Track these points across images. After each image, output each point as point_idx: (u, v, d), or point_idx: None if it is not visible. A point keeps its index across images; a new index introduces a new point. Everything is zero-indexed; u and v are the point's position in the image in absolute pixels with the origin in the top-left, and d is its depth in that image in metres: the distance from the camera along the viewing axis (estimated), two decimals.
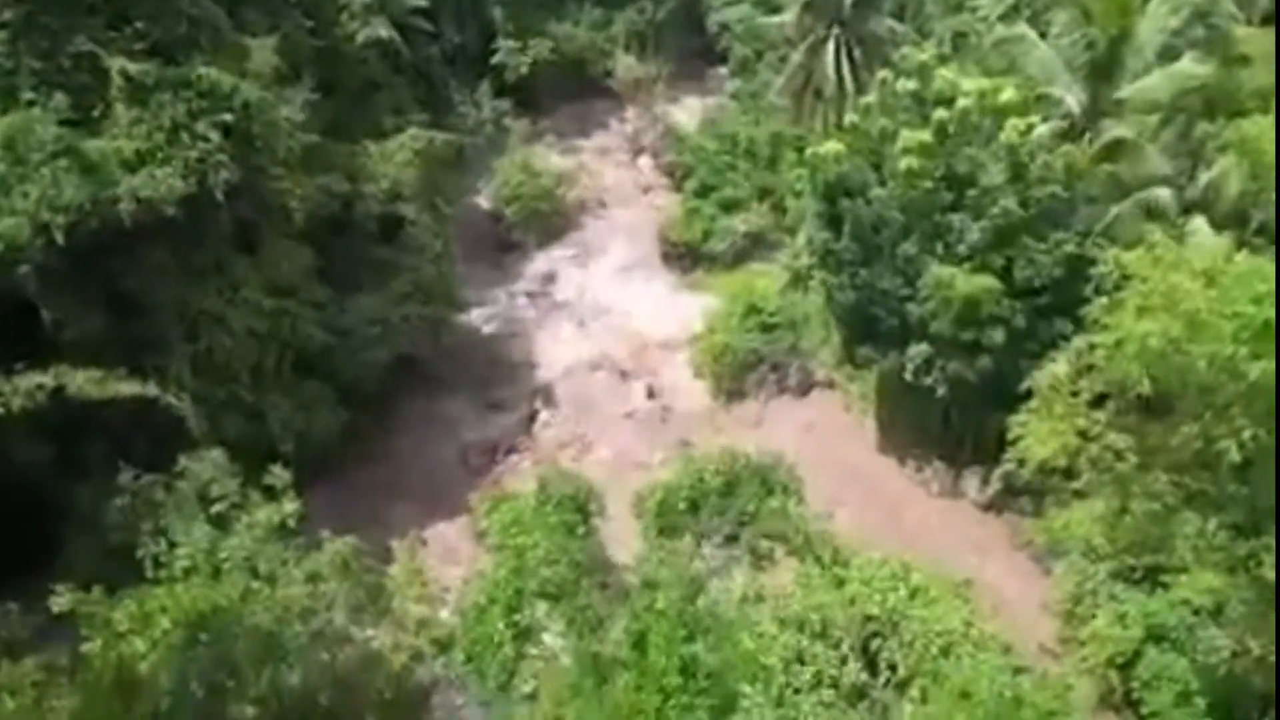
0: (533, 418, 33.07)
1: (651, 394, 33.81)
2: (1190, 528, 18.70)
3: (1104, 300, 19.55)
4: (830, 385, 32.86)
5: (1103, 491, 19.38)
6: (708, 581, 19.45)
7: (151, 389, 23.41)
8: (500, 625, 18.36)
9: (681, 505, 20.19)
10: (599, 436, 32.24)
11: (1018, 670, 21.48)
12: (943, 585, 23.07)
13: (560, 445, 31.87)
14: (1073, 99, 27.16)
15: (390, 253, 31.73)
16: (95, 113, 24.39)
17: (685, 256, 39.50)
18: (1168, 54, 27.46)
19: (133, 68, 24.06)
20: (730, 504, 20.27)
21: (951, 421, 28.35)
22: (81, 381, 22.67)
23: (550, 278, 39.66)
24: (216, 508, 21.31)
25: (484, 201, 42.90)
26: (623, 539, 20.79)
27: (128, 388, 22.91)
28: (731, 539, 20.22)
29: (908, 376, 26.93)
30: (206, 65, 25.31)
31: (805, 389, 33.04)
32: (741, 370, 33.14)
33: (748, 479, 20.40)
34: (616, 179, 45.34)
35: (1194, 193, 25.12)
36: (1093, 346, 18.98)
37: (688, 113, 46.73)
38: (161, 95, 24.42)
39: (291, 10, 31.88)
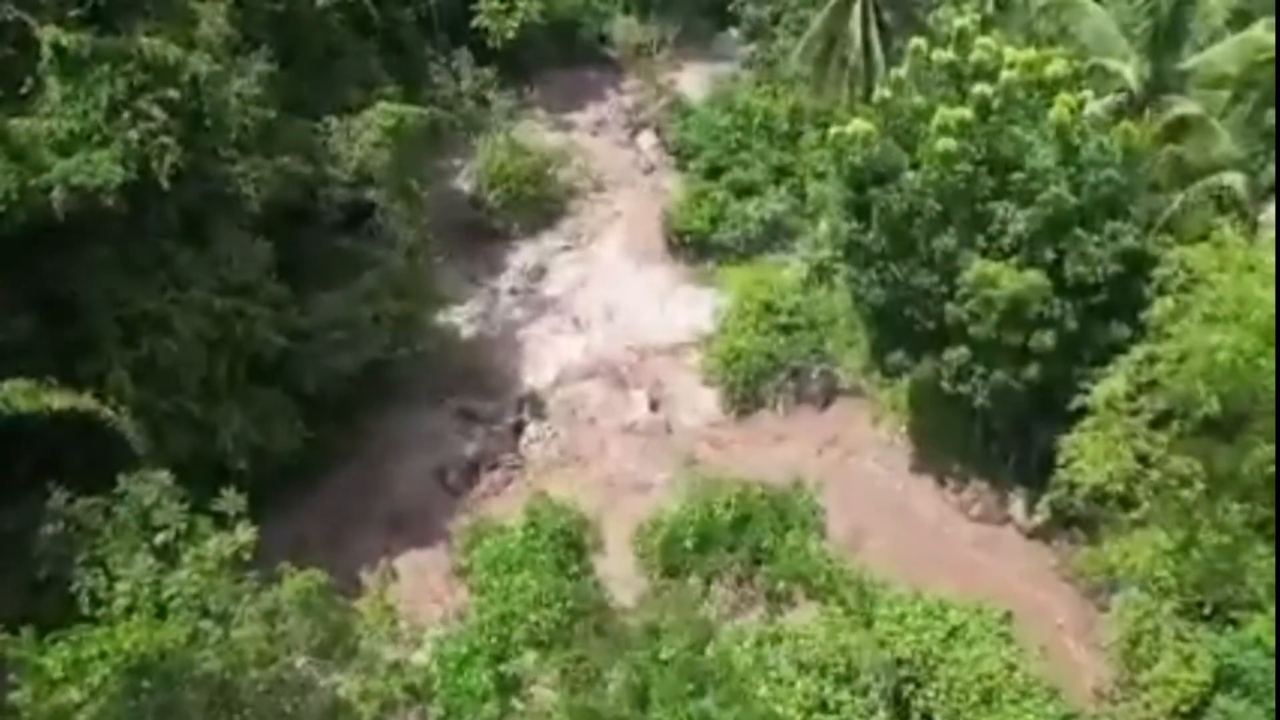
0: (519, 431, 33.17)
1: (654, 405, 33.92)
2: (1264, 561, 18.76)
3: (1167, 302, 19.63)
4: (857, 394, 33.01)
5: (1165, 521, 19.44)
6: (718, 627, 19.45)
7: (87, 401, 23.40)
8: (484, 676, 18.38)
9: (689, 542, 20.19)
10: (594, 453, 32.37)
11: (1069, 718, 21.55)
12: (984, 623, 23.02)
13: (550, 463, 32.00)
14: (1131, 71, 27.26)
15: (357, 244, 31.86)
16: (22, 90, 24.40)
17: (692, 247, 39.59)
18: (1239, 21, 27.57)
19: (66, 38, 24.05)
20: (743, 540, 20.27)
21: (994, 436, 28.45)
22: (7, 392, 22.71)
23: (539, 271, 39.74)
24: (161, 537, 21.41)
25: (464, 184, 42.98)
26: (623, 576, 20.79)
27: (60, 399, 22.93)
28: (745, 579, 20.23)
29: (945, 385, 27.03)
30: (150, 34, 25.33)
31: (828, 398, 33.17)
32: (756, 377, 33.26)
33: (763, 511, 20.39)
34: (614, 158, 45.39)
35: (1269, 179, 25.16)
36: (1154, 359, 19.05)
37: (695, 83, 46.76)
38: (99, 69, 24.42)
39: None
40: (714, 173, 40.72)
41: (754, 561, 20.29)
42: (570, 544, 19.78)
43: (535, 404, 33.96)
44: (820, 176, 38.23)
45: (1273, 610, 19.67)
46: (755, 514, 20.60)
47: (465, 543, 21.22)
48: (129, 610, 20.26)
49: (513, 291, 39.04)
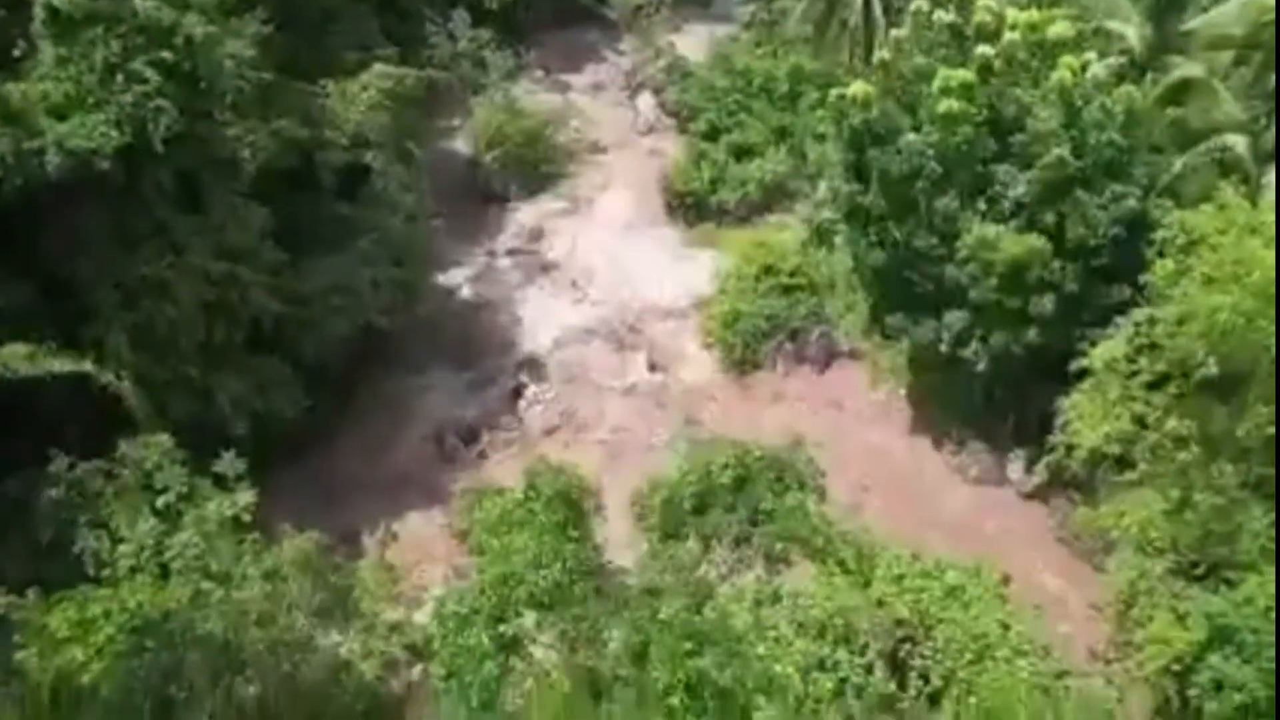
0: (518, 394, 33.27)
1: (653, 366, 34.03)
2: (1259, 522, 18.95)
3: (1168, 264, 19.68)
4: (856, 356, 33.08)
5: (1161, 482, 19.61)
6: (717, 587, 19.70)
7: (84, 365, 23.49)
8: (484, 637, 18.61)
9: (687, 504, 20.40)
10: (594, 415, 32.48)
11: (1062, 676, 21.86)
12: (981, 584, 23.36)
13: (549, 426, 32.14)
14: (1134, 32, 27.19)
15: (355, 209, 31.73)
16: (16, 52, 24.25)
17: (691, 208, 39.51)
18: None
19: (59, 0, 23.91)
20: (742, 501, 20.49)
21: (993, 399, 28.60)
22: (7, 356, 22.81)
23: (537, 234, 39.67)
24: (163, 499, 21.65)
25: (461, 147, 42.81)
26: (622, 538, 21.04)
27: (60, 364, 23.02)
28: (743, 540, 20.46)
29: (944, 348, 27.12)
30: None
31: (828, 360, 33.25)
32: (755, 339, 33.33)
33: (761, 473, 20.61)
34: (613, 120, 45.17)
35: (1272, 141, 25.11)
36: (1154, 321, 19.12)
37: (694, 43, 46.47)
38: (93, 31, 24.22)
39: None
40: (713, 134, 40.59)
41: (752, 523, 20.55)
42: (569, 506, 19.98)
43: (534, 367, 34.05)
44: (820, 138, 38.08)
45: (1266, 569, 19.87)
46: (753, 475, 20.84)
47: (465, 505, 21.43)
48: (132, 571, 20.54)
49: (510, 254, 38.99)
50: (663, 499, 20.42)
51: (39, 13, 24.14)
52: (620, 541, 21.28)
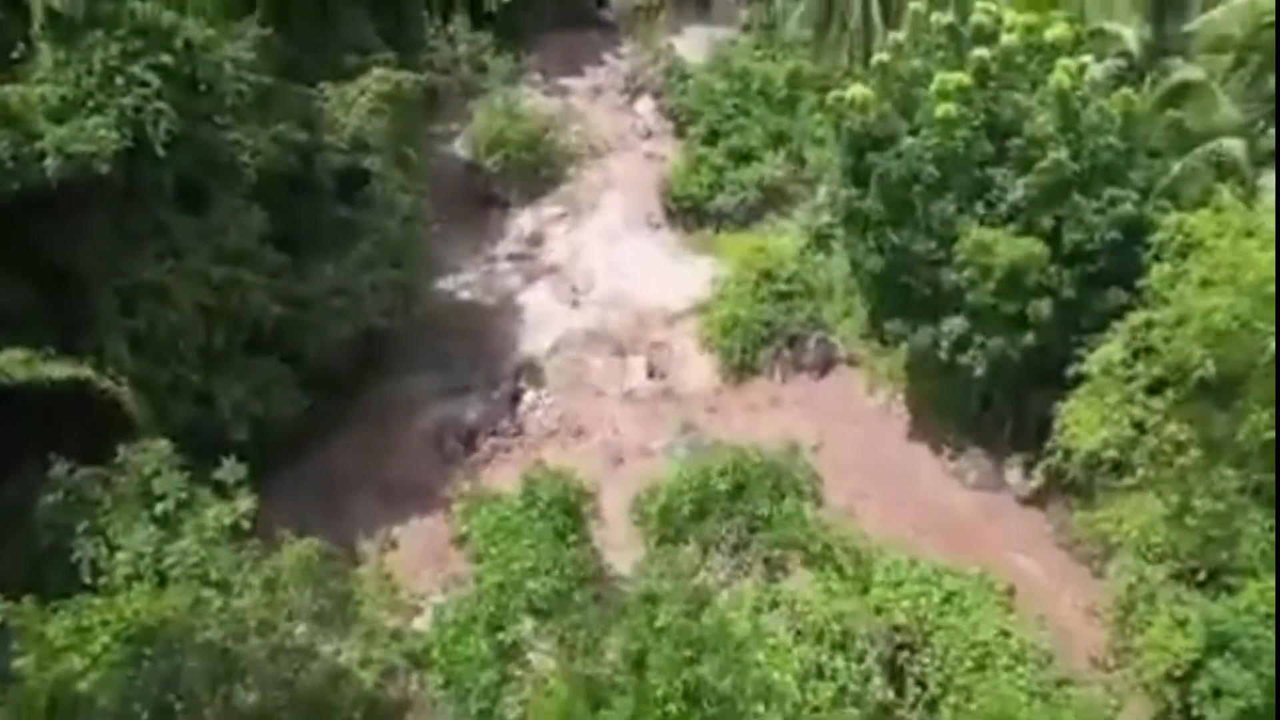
0: (517, 399, 33.17)
1: (652, 372, 33.95)
2: (1258, 527, 18.89)
3: (1165, 268, 19.62)
4: (854, 362, 33.00)
5: (1160, 487, 19.56)
6: (715, 594, 19.64)
7: (85, 370, 23.42)
8: (483, 644, 18.57)
9: (685, 510, 20.35)
10: (592, 420, 32.39)
11: (1062, 683, 21.80)
12: (980, 589, 23.32)
13: (548, 430, 32.08)
14: (1132, 35, 27.08)
15: (354, 212, 31.64)
16: (15, 55, 24.19)
17: (690, 213, 39.43)
18: None
19: (59, 2, 23.84)
20: (739, 507, 20.43)
21: (991, 404, 28.53)
22: (5, 362, 22.73)
23: (536, 238, 39.61)
24: (161, 506, 21.59)
25: (460, 151, 42.69)
26: (620, 544, 20.98)
27: (59, 369, 22.94)
28: (741, 546, 20.40)
29: (942, 354, 27.04)
30: None
31: (826, 366, 33.17)
32: (754, 345, 33.25)
33: (759, 479, 20.54)
34: (612, 124, 45.07)
35: (1269, 144, 25.05)
36: (1150, 324, 19.06)
37: (693, 46, 46.37)
38: (92, 34, 24.19)
39: None
40: (712, 138, 40.45)
41: (750, 529, 20.47)
42: (568, 512, 19.93)
43: (533, 371, 33.96)
44: (819, 142, 38.07)
45: (1266, 576, 19.80)
46: (751, 481, 20.76)
47: (463, 511, 21.35)
48: (130, 579, 20.50)
49: (510, 258, 38.91)
50: (661, 505, 20.34)
51: (38, 16, 24.09)
52: (618, 547, 21.22)
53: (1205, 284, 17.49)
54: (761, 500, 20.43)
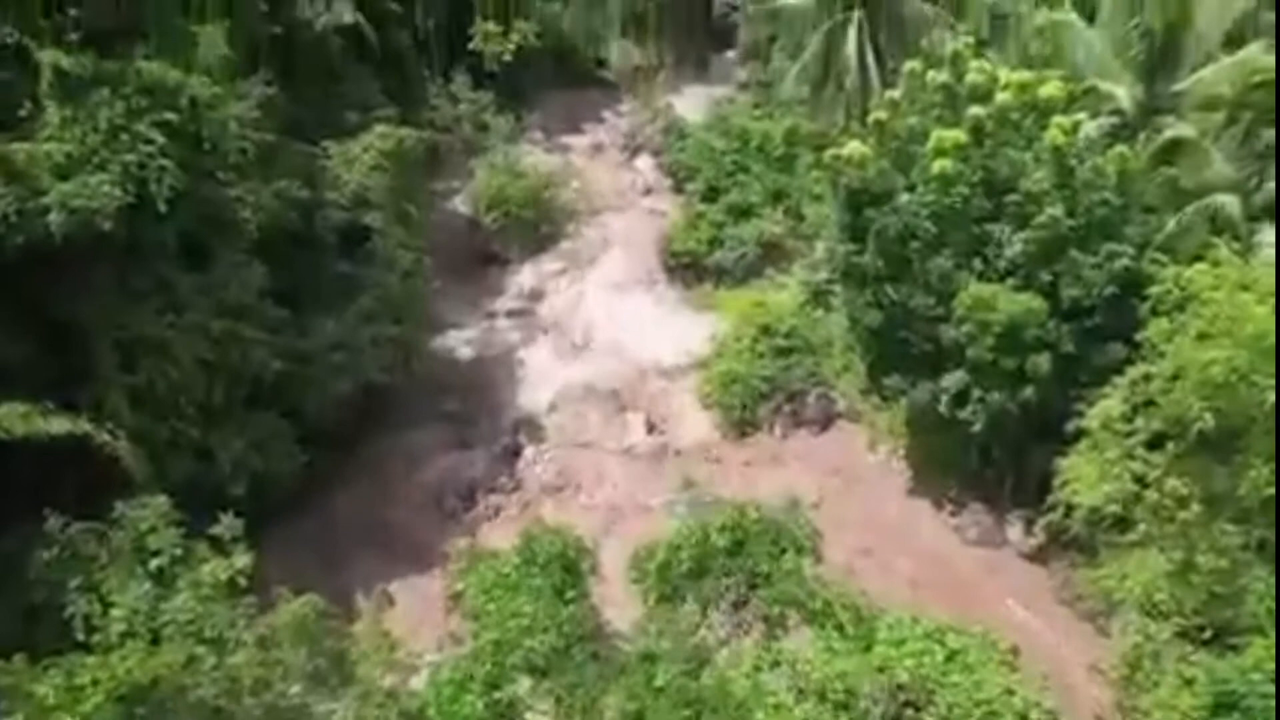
0: (516, 454, 33.06)
1: (651, 427, 33.89)
2: (1263, 583, 18.71)
3: (1162, 323, 19.65)
4: (853, 417, 32.95)
5: (1163, 543, 19.42)
6: (715, 652, 19.37)
7: (83, 425, 23.36)
8: (479, 703, 18.27)
9: (684, 567, 20.14)
10: (591, 476, 32.25)
11: None
12: (983, 647, 23.03)
13: (547, 486, 31.92)
14: (1124, 93, 27.44)
15: (355, 268, 31.87)
16: (22, 113, 24.48)
17: (689, 269, 39.70)
18: (1232, 43, 27.76)
19: (66, 61, 24.18)
20: (739, 564, 20.21)
21: (991, 460, 28.43)
22: (3, 416, 22.69)
23: (536, 294, 39.80)
24: (157, 562, 21.37)
25: (461, 207, 43.08)
26: (619, 601, 20.71)
27: (57, 424, 22.89)
28: (741, 604, 20.16)
29: (941, 409, 27.01)
30: (150, 57, 25.50)
31: (826, 422, 33.12)
32: (753, 400, 33.23)
33: (759, 535, 20.35)
34: (612, 181, 45.55)
35: (1263, 200, 25.27)
36: (1149, 378, 19.05)
37: (692, 105, 47.05)
38: (98, 92, 24.51)
39: None
40: (711, 195, 40.86)
41: (750, 586, 20.20)
42: (566, 569, 19.71)
43: (532, 427, 33.90)
44: (817, 199, 38.40)
45: (1272, 633, 19.57)
46: (751, 538, 20.52)
47: (460, 568, 21.12)
48: (124, 636, 20.21)
49: (510, 314, 39.06)
50: (659, 562, 20.08)
51: (46, 74, 24.40)
52: (617, 604, 20.97)
53: (1202, 337, 17.51)
54: (761, 557, 20.18)
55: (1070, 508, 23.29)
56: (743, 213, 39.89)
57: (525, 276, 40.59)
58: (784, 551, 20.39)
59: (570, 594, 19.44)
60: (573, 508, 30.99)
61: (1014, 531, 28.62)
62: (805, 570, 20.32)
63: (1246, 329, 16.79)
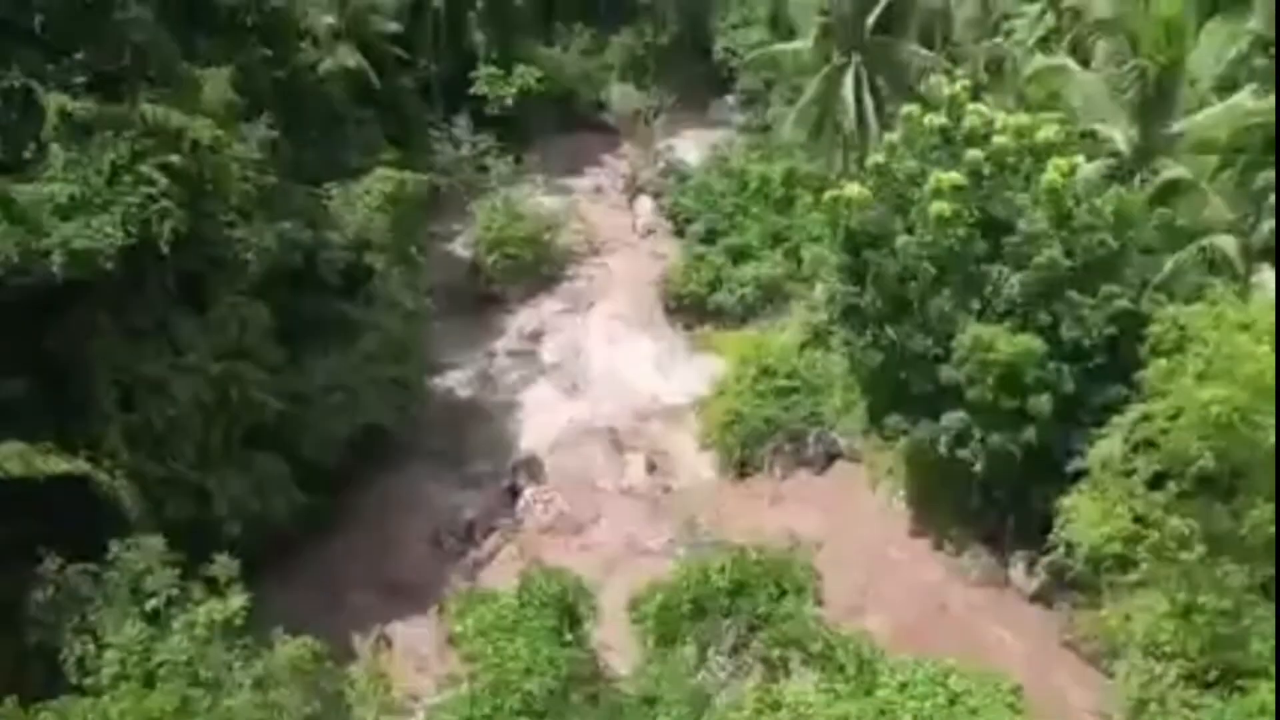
0: (515, 495, 32.95)
1: (652, 468, 33.78)
2: (1267, 624, 18.52)
3: (1161, 363, 19.62)
4: (854, 458, 32.82)
5: (1165, 584, 19.25)
6: (714, 696, 19.14)
7: (81, 465, 23.27)
8: None
9: (684, 609, 19.96)
10: (591, 518, 32.12)
11: None
12: (987, 690, 22.74)
13: (547, 527, 31.74)
14: (1120, 135, 27.62)
15: (356, 309, 31.95)
16: (26, 154, 24.65)
17: (689, 310, 39.85)
18: (1225, 86, 28.04)
19: (71, 104, 24.39)
20: (739, 606, 20.05)
21: (992, 500, 28.28)
22: (1, 456, 22.62)
23: (536, 335, 39.91)
24: (152, 603, 21.27)
25: (462, 249, 43.34)
26: (618, 644, 20.54)
27: (54, 465, 22.80)
28: (741, 646, 19.95)
29: (942, 449, 26.92)
30: (154, 100, 25.72)
31: (826, 462, 33.00)
32: (754, 441, 33.14)
33: (759, 577, 20.20)
34: (611, 223, 45.84)
35: (1259, 240, 25.37)
36: (1149, 418, 18.99)
37: (691, 147, 47.44)
38: (102, 134, 24.73)
39: (249, 37, 32.58)
40: (710, 237, 41.11)
41: (750, 628, 20.01)
42: (564, 611, 19.55)
43: (532, 467, 33.78)
44: (815, 240, 38.56)
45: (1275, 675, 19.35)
46: (751, 580, 20.38)
47: (458, 609, 20.95)
48: (118, 679, 20.06)
49: (510, 355, 39.14)
50: (658, 604, 19.92)
51: (51, 117, 24.58)
52: (616, 647, 20.79)
53: (1202, 377, 17.49)
54: (762, 599, 20.03)
55: (1071, 547, 23.11)
56: (742, 254, 40.12)
57: (525, 318, 40.72)
58: (784, 594, 20.25)
59: (568, 636, 19.27)
60: (572, 548, 30.82)
61: (1016, 572, 28.40)
62: (806, 612, 20.16)
63: (1246, 368, 16.77)
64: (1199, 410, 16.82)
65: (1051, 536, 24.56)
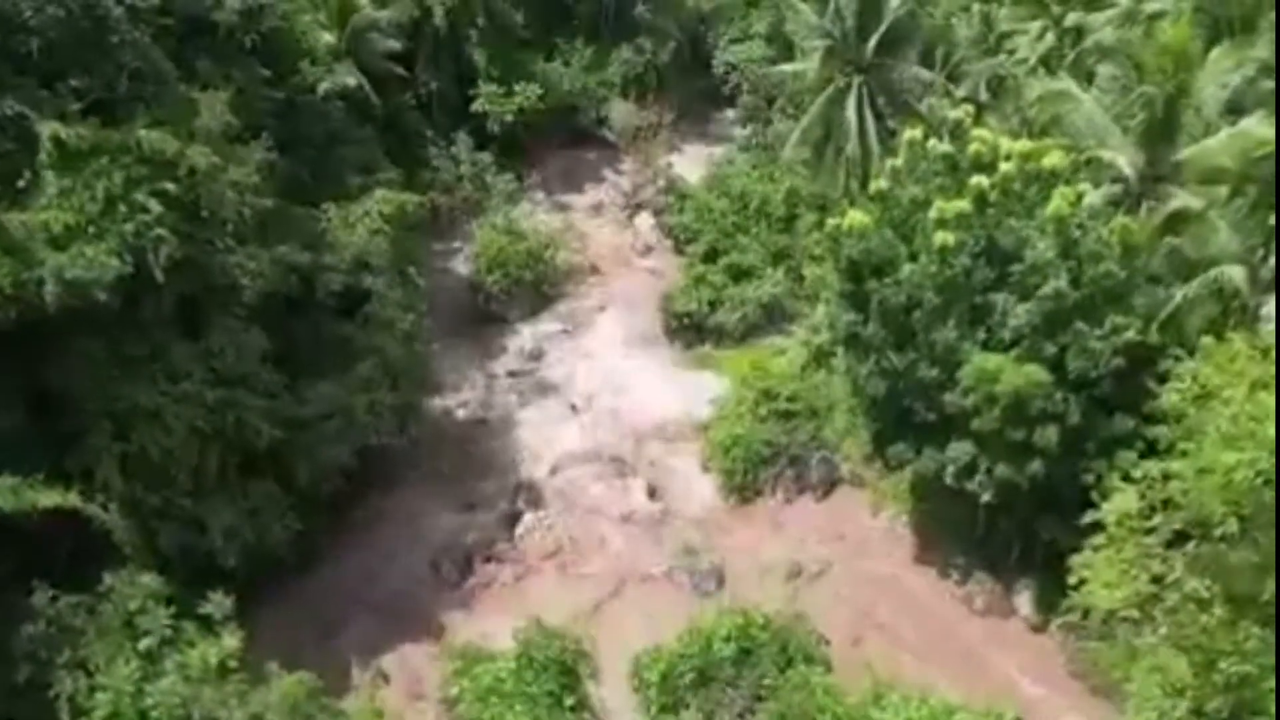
0: (515, 520, 32.37)
1: (652, 492, 33.25)
2: None
3: (1182, 425, 18.83)
4: (857, 483, 32.35)
5: (1185, 646, 18.61)
6: None
7: (73, 499, 22.74)
8: None
9: (688, 677, 19.35)
10: (591, 542, 31.58)
11: None
12: None
13: (546, 553, 31.20)
14: (1126, 162, 27.12)
15: (354, 331, 31.41)
16: (20, 183, 24.11)
17: (690, 329, 39.34)
18: (1231, 112, 27.55)
19: (65, 132, 23.82)
20: (744, 675, 19.44)
21: (998, 528, 27.81)
22: None
23: (536, 355, 39.35)
24: (146, 642, 20.82)
25: (462, 268, 42.80)
26: (620, 701, 19.93)
27: (47, 498, 22.28)
28: (747, 715, 19.33)
29: (948, 479, 26.45)
30: (150, 125, 25.19)
31: (829, 487, 32.51)
32: (755, 464, 32.65)
33: (764, 645, 19.58)
34: (612, 241, 45.33)
35: (1269, 271, 24.83)
36: (1168, 477, 18.34)
37: (692, 164, 46.93)
38: (97, 162, 24.17)
39: (246, 58, 31.96)
40: (711, 255, 40.61)
41: (756, 698, 19.37)
42: (564, 673, 18.91)
43: (531, 492, 33.25)
44: (817, 260, 38.09)
45: None
46: (756, 647, 19.74)
47: (455, 668, 20.31)
48: (110, 718, 19.60)
49: (510, 375, 38.55)
50: (661, 671, 19.30)
51: (45, 145, 24.05)
52: (618, 706, 20.04)
53: (1225, 439, 16.78)
54: (768, 668, 19.37)
55: (1086, 611, 22.48)
56: (743, 273, 39.62)
57: (525, 337, 40.18)
58: (791, 662, 19.60)
59: (569, 700, 18.60)
60: (572, 575, 30.39)
61: (1022, 601, 27.97)
62: (814, 681, 19.48)
63: (1270, 430, 16.12)
64: (1223, 473, 16.14)
65: (1066, 601, 23.96)
